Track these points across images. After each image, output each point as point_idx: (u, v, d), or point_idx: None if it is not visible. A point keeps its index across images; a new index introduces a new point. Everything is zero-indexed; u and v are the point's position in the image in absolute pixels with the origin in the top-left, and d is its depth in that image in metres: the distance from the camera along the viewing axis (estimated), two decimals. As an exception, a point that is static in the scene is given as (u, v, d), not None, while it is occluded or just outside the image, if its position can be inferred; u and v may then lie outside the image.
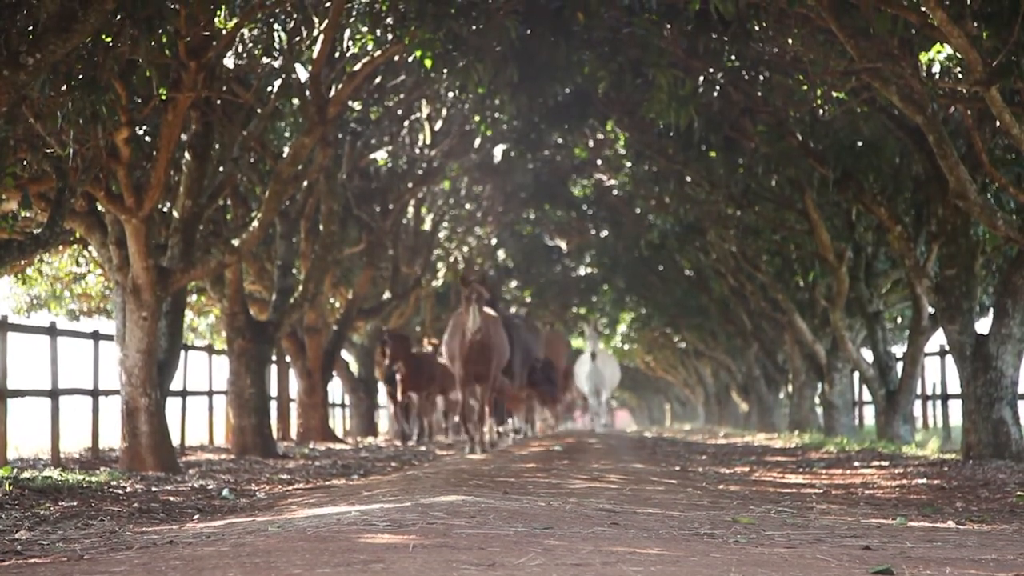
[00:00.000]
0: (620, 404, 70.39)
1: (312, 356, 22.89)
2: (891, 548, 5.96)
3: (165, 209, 14.60)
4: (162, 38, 11.17)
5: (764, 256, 25.45)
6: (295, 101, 15.78)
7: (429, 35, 13.69)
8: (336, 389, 28.74)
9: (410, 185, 24.55)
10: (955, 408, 21.07)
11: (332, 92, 15.44)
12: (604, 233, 34.26)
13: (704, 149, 19.29)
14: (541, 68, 16.14)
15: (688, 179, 22.34)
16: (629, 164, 24.76)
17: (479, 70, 14.76)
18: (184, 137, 13.55)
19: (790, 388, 28.55)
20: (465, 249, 31.54)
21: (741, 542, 6.05)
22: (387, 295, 25.79)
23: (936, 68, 11.70)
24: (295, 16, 14.82)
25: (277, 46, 15.15)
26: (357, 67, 15.42)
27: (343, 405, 30.17)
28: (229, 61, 14.40)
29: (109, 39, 10.29)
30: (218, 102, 13.92)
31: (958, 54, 10.70)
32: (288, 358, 23.54)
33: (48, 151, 11.01)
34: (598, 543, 5.71)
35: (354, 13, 15.21)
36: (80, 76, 10.05)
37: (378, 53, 15.32)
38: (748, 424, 33.96)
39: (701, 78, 15.57)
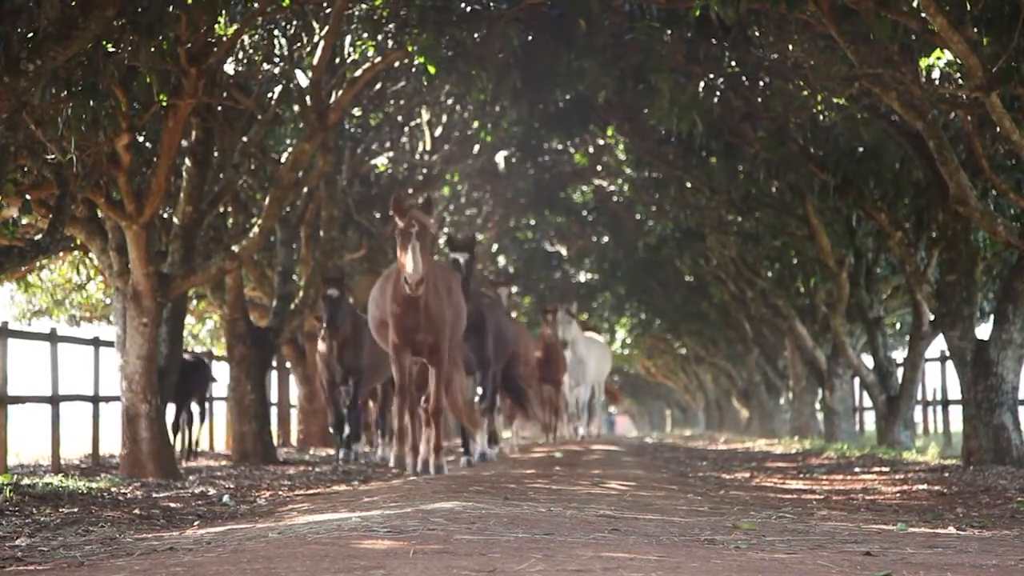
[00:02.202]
0: (621, 410, 70.14)
1: (312, 362, 22.87)
2: (892, 554, 5.96)
3: (166, 215, 14.61)
4: (163, 44, 11.17)
5: (764, 262, 25.45)
6: (296, 107, 15.79)
7: (432, 40, 13.70)
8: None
9: (410, 191, 24.55)
10: (955, 414, 21.07)
11: (332, 98, 15.45)
12: (604, 239, 34.26)
13: (704, 155, 19.29)
14: (542, 75, 16.15)
15: (688, 185, 22.34)
16: (629, 170, 24.76)
17: (482, 77, 14.78)
18: (185, 143, 13.56)
19: (791, 394, 28.54)
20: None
21: (742, 548, 6.05)
22: (387, 301, 25.75)
23: (936, 74, 11.70)
24: (295, 22, 14.84)
25: (278, 52, 15.17)
26: (358, 73, 15.43)
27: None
28: (230, 67, 14.42)
29: (110, 45, 10.30)
30: (219, 108, 13.93)
31: (958, 60, 10.69)
32: (288, 364, 23.53)
33: (49, 157, 11.02)
34: (599, 549, 5.70)
35: (355, 19, 15.22)
36: (81, 82, 10.05)
37: (378, 59, 15.33)
38: (749, 430, 33.94)
39: (702, 84, 15.57)
